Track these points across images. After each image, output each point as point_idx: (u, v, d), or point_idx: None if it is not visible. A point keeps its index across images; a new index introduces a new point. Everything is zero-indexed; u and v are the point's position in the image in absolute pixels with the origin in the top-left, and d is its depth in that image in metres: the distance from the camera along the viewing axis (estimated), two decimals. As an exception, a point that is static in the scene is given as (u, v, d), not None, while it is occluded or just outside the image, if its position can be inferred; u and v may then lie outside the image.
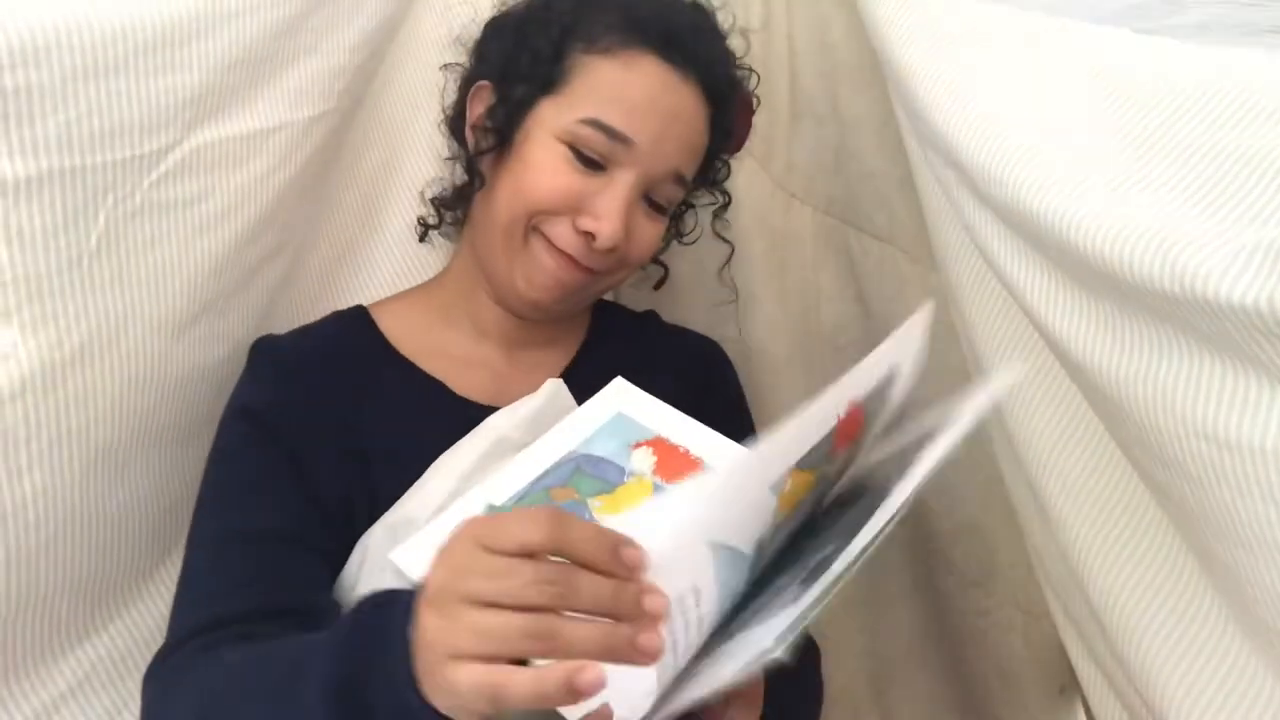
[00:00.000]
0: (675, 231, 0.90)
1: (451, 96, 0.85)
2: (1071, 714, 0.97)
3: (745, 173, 1.01)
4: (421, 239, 0.90)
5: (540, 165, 0.74)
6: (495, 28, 0.83)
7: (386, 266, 0.93)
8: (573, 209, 0.74)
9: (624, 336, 0.89)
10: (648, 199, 0.77)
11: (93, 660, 0.72)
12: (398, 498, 0.70)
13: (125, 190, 0.64)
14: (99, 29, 0.60)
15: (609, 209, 0.73)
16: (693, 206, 0.90)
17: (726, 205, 0.92)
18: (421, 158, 0.93)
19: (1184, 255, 0.43)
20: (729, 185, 0.91)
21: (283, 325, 0.80)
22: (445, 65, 0.87)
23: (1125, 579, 0.63)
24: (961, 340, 0.82)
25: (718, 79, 0.78)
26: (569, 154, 0.74)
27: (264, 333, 0.78)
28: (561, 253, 0.75)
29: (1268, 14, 0.50)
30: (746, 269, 1.04)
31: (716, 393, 0.89)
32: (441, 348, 0.80)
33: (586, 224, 0.73)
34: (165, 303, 0.69)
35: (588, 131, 0.73)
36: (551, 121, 0.74)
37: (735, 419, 0.88)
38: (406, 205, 0.93)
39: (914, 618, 1.12)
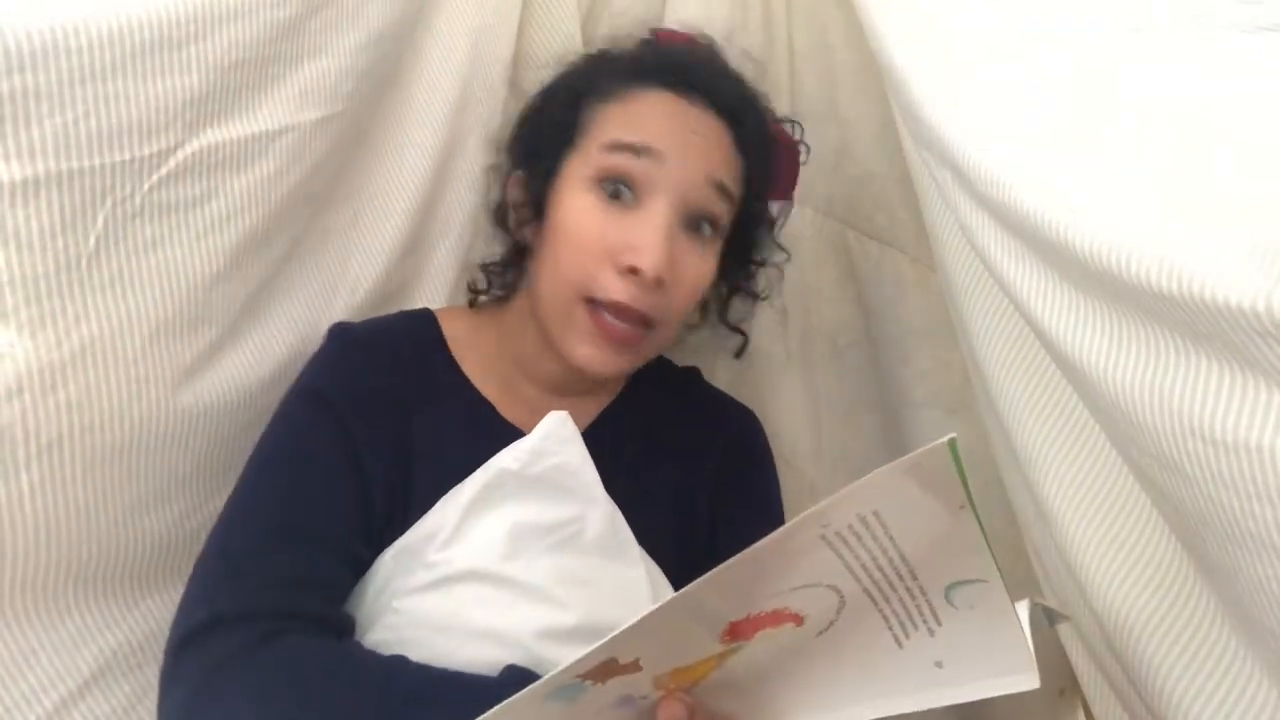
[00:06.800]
0: (749, 289, 0.89)
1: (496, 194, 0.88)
2: (1071, 714, 0.97)
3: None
4: (471, 304, 0.90)
5: (572, 218, 0.74)
6: (520, 120, 0.86)
7: (438, 281, 0.95)
8: (611, 251, 0.72)
9: (660, 394, 0.87)
10: (691, 227, 0.75)
11: (113, 648, 0.72)
12: (431, 504, 0.72)
13: (125, 192, 0.64)
14: (96, 31, 0.60)
15: (649, 237, 0.71)
16: (764, 264, 0.89)
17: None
18: (472, 160, 0.94)
19: (1181, 256, 0.43)
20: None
21: (314, 339, 0.81)
22: (488, 166, 0.91)
23: (1124, 579, 0.63)
24: (960, 341, 0.82)
25: (728, 99, 0.78)
26: (597, 197, 0.74)
27: (291, 346, 0.80)
28: (607, 325, 0.72)
29: (1262, 10, 0.49)
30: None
31: (737, 482, 0.86)
32: (494, 373, 0.81)
33: (628, 259, 0.71)
34: (170, 305, 0.69)
35: (612, 158, 0.73)
36: (577, 173, 0.75)
37: (754, 510, 0.86)
38: (458, 199, 0.94)
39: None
